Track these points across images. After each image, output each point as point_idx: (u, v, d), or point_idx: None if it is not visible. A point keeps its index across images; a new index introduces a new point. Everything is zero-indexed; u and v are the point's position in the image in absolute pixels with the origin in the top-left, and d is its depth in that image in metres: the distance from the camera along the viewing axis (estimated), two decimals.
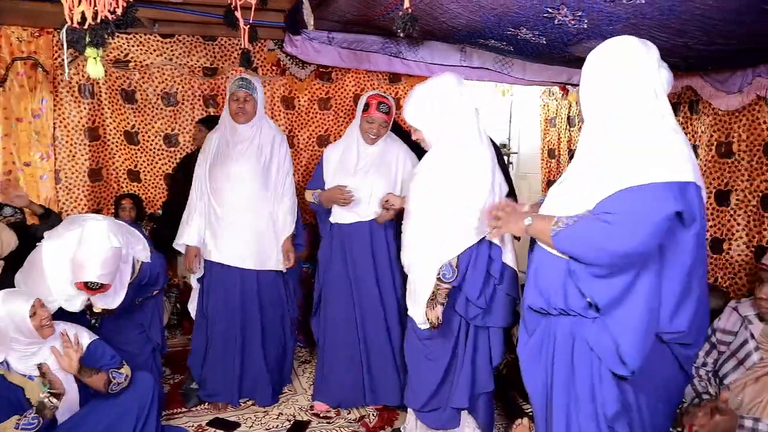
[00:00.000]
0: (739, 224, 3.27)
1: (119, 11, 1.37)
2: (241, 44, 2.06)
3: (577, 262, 1.55)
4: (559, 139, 4.93)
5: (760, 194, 3.18)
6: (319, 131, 4.29)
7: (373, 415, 2.97)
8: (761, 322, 1.91)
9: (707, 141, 3.46)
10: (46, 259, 2.28)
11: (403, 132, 2.88)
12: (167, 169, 4.02)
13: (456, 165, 2.20)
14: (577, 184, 1.61)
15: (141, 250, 2.54)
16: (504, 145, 5.66)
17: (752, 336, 1.90)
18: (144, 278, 2.55)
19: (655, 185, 1.42)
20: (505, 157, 5.42)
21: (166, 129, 3.99)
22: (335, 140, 3.35)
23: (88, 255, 2.20)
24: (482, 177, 2.18)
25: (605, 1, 2.04)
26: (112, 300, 2.39)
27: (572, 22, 2.30)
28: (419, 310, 2.28)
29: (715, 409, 1.62)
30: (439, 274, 2.18)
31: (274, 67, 4.08)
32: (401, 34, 1.60)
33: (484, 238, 2.17)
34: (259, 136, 2.86)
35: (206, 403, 3.03)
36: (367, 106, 2.72)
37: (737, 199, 3.28)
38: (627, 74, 1.54)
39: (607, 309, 1.52)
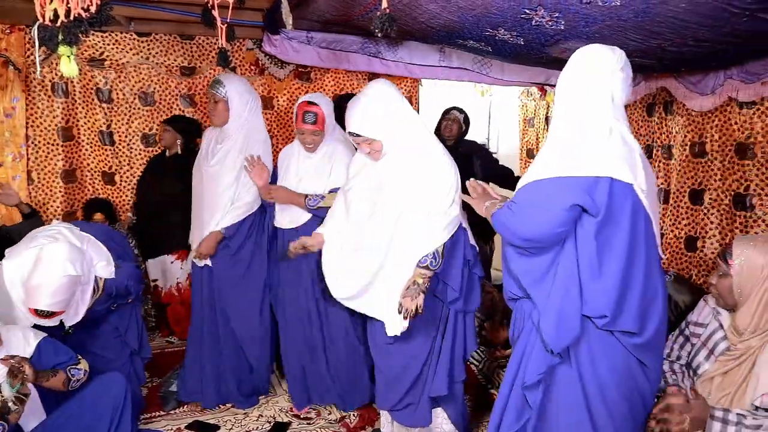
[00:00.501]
0: (712, 222, 3.34)
1: (93, 9, 1.35)
2: (218, 43, 2.05)
3: (507, 244, 1.77)
4: (537, 139, 4.98)
5: (732, 193, 3.25)
6: None
7: (353, 415, 2.97)
8: (727, 312, 1.97)
9: (681, 141, 3.53)
10: (6, 279, 2.19)
11: None
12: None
13: (427, 164, 2.21)
14: (525, 176, 1.79)
15: (104, 267, 2.46)
16: (483, 145, 5.70)
17: (721, 326, 1.97)
18: (111, 292, 2.48)
19: (557, 179, 1.60)
20: None
21: (144, 129, 3.94)
22: None
23: (39, 282, 2.11)
24: (452, 167, 2.23)
25: (581, 3, 2.07)
26: (71, 318, 2.30)
27: (549, 24, 2.33)
28: (393, 316, 2.21)
29: (688, 395, 1.76)
30: (423, 263, 2.15)
31: (252, 67, 4.06)
32: (379, 34, 1.60)
33: (461, 223, 2.27)
34: (238, 141, 2.83)
35: (185, 406, 3.00)
36: (296, 116, 2.70)
37: (710, 198, 3.35)
38: (585, 80, 1.69)
39: (531, 287, 1.71)
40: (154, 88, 3.90)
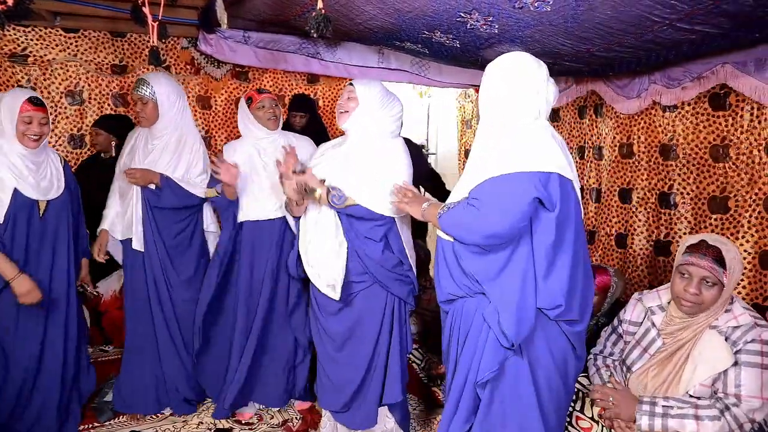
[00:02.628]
0: (639, 220, 3.50)
1: (10, 1, 1.28)
2: (150, 41, 1.99)
3: (459, 243, 1.77)
4: None
5: (658, 192, 3.42)
6: (237, 132, 4.17)
7: (296, 418, 2.94)
8: (662, 312, 2.04)
9: (611, 142, 3.68)
10: None
11: (322, 126, 2.92)
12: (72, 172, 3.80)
13: (387, 153, 2.32)
14: (463, 178, 1.84)
15: None
16: (423, 146, 5.76)
17: (654, 325, 2.03)
18: None
19: (519, 174, 1.64)
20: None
21: (72, 129, 3.76)
22: None
23: None
24: (408, 164, 2.35)
25: (514, 8, 2.12)
26: None
27: (484, 27, 2.38)
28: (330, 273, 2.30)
29: (616, 387, 1.88)
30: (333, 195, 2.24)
31: (188, 66, 3.95)
32: (315, 35, 1.59)
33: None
34: (171, 142, 2.76)
35: (122, 416, 2.89)
36: (251, 99, 2.77)
37: (638, 197, 3.51)
38: (520, 86, 1.75)
39: (487, 284, 1.72)
40: (83, 87, 3.74)
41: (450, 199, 1.87)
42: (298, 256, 2.41)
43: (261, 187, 2.74)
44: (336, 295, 2.27)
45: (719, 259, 1.84)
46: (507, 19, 2.25)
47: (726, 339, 1.85)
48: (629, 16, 2.07)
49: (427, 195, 2.17)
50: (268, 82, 4.20)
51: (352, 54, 3.64)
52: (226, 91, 4.10)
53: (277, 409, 3.01)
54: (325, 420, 2.61)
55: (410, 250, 2.39)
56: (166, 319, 2.83)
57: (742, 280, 2.96)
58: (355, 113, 2.28)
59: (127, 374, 2.88)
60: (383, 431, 2.48)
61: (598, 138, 3.80)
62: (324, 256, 2.31)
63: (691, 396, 1.85)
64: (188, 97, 3.97)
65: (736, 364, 1.81)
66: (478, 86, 4.28)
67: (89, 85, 3.75)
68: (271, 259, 2.77)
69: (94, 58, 3.71)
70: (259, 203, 2.74)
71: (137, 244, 2.76)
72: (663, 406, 1.84)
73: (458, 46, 2.75)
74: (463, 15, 2.28)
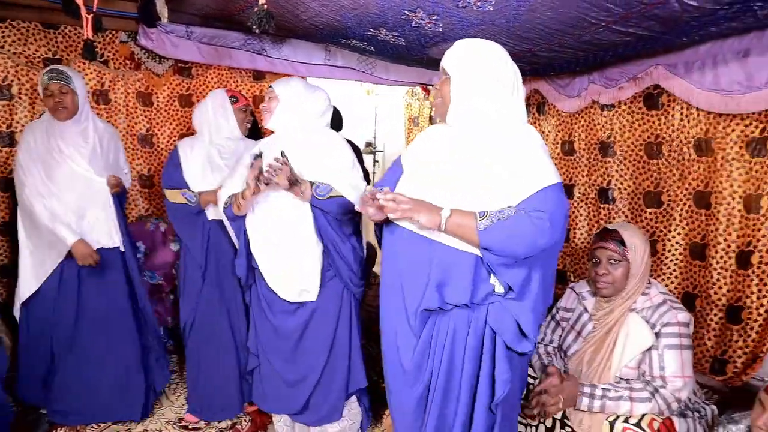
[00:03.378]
0: (581, 215, 3.62)
1: None
2: (84, 34, 1.90)
3: (492, 255, 1.58)
4: None
5: (597, 188, 3.54)
6: (181, 129, 4.08)
7: (245, 420, 2.89)
8: (593, 297, 2.16)
9: (553, 140, 3.79)
10: None
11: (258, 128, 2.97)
12: (2, 171, 3.60)
13: (332, 150, 2.32)
14: (477, 180, 1.63)
15: None
16: (370, 144, 5.78)
17: (585, 309, 2.15)
18: None
19: (559, 184, 1.62)
20: (371, 155, 5.54)
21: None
22: None
23: None
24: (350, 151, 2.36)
25: (457, 7, 2.15)
26: None
27: (428, 26, 2.40)
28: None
29: (563, 375, 1.95)
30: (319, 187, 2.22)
31: (127, 61, 3.81)
32: (257, 31, 1.57)
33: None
34: (92, 133, 2.68)
35: (60, 429, 2.76)
36: (236, 98, 2.73)
37: (579, 192, 3.63)
38: (492, 76, 1.66)
39: (520, 292, 1.62)
40: (12, 81, 3.55)
41: (444, 204, 1.63)
42: (247, 262, 2.35)
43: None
44: (312, 296, 2.27)
45: (620, 240, 2.04)
46: (451, 18, 2.28)
47: (647, 321, 1.98)
48: (568, 18, 2.14)
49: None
50: (212, 78, 4.10)
51: (298, 51, 3.61)
52: (168, 88, 3.98)
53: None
54: (281, 425, 2.56)
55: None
56: (101, 320, 2.73)
57: (674, 270, 3.11)
58: (276, 111, 2.28)
59: (64, 382, 2.75)
60: (338, 430, 2.47)
61: (541, 136, 3.89)
62: (296, 261, 2.24)
63: (620, 379, 1.96)
64: (128, 93, 3.85)
65: (657, 345, 1.94)
66: (425, 84, 4.35)
67: (19, 79, 3.55)
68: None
69: (24, 51, 3.52)
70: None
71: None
72: (602, 388, 1.94)
73: (404, 44, 2.77)
74: (407, 13, 2.29)
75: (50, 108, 2.55)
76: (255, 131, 3.56)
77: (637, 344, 1.96)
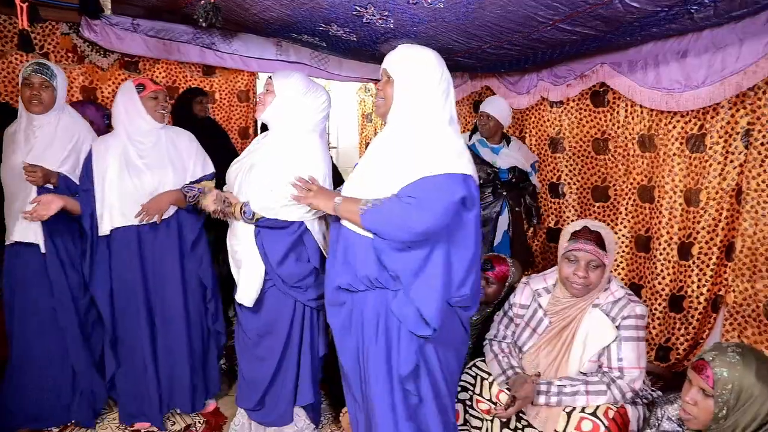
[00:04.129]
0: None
1: None
2: (19, 25, 1.82)
3: (379, 239, 1.75)
4: (375, 133, 5.13)
5: (548, 182, 3.62)
6: None
7: (199, 422, 2.84)
8: (548, 294, 2.17)
9: None
10: None
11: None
12: None
13: (301, 153, 2.24)
14: (379, 172, 1.81)
15: None
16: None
17: (540, 306, 2.16)
18: None
19: (447, 175, 1.70)
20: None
21: None
22: None
23: None
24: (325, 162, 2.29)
25: (408, 3, 2.16)
26: None
27: (380, 22, 2.40)
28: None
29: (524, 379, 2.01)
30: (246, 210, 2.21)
31: (69, 54, 3.66)
32: (203, 24, 1.53)
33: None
34: (60, 128, 2.56)
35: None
36: (143, 86, 2.49)
37: None
38: (432, 82, 1.78)
39: (409, 280, 1.75)
40: None
41: (353, 193, 1.85)
42: None
43: (139, 188, 2.47)
44: (248, 303, 2.27)
45: (601, 243, 2.01)
46: (402, 14, 2.28)
47: (608, 315, 2.01)
48: (517, 16, 2.17)
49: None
50: (160, 73, 3.99)
51: (250, 45, 3.55)
52: (114, 83, 3.85)
53: (179, 413, 2.89)
54: (240, 419, 2.55)
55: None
56: (46, 319, 2.62)
57: (621, 262, 3.22)
58: (272, 105, 2.22)
59: (7, 388, 2.64)
60: (295, 430, 2.47)
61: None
62: (242, 265, 2.29)
63: (582, 373, 2.00)
64: (71, 87, 3.70)
65: (618, 338, 1.99)
66: (377, 80, 4.34)
67: None
68: (177, 263, 2.61)
69: None
70: (137, 209, 2.46)
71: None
72: (558, 384, 1.98)
73: (355, 39, 2.76)
74: (359, 9, 2.28)
75: (24, 99, 2.44)
76: (190, 118, 3.45)
77: (601, 339, 2.00)
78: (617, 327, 2.00)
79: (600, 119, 3.29)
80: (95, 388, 2.78)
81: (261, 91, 2.31)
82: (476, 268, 1.84)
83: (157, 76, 3.99)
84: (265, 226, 2.20)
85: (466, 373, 2.23)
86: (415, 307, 1.75)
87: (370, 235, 1.77)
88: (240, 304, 2.35)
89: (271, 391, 2.38)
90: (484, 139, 3.31)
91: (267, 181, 2.17)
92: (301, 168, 2.13)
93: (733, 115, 2.67)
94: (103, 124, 3.22)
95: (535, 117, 3.64)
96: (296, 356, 2.37)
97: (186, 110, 3.74)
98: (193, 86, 4.04)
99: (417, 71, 1.78)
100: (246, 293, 2.26)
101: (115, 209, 2.49)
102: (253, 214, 2.17)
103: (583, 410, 1.94)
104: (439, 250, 1.74)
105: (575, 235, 2.05)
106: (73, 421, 2.76)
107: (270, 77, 2.27)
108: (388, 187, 1.75)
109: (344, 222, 1.85)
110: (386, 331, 1.81)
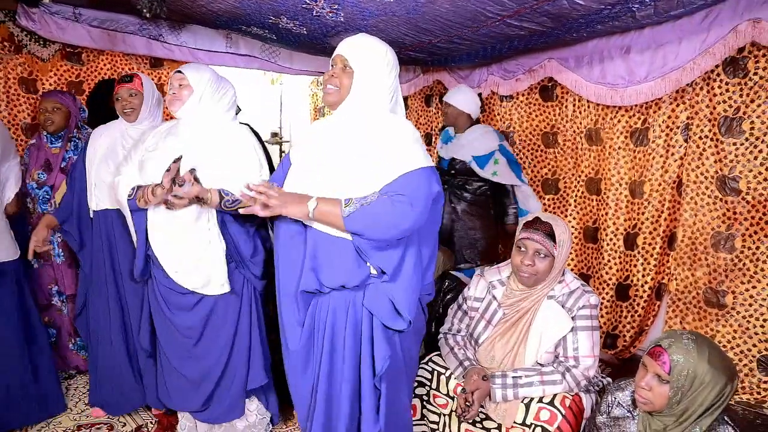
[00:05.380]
0: None
1: None
2: None
3: (360, 239, 1.67)
4: None
5: None
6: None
7: (151, 422, 2.78)
8: (503, 287, 2.20)
9: (456, 130, 3.89)
10: None
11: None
12: None
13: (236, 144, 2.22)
14: (351, 169, 1.71)
15: None
16: (276, 134, 5.68)
17: (495, 298, 2.19)
18: None
19: (424, 169, 1.67)
20: (278, 146, 5.44)
21: None
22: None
23: None
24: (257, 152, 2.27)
25: None
26: None
27: (329, 15, 2.38)
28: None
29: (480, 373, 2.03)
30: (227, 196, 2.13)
31: (6, 43, 3.49)
32: (147, 15, 1.49)
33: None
34: None
35: None
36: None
37: None
38: (391, 74, 1.78)
39: (393, 274, 1.72)
40: None
41: (318, 193, 1.70)
42: (146, 257, 2.25)
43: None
44: (220, 289, 2.22)
45: (550, 234, 2.05)
46: (352, 8, 2.27)
47: (563, 306, 2.06)
48: (466, 11, 2.19)
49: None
50: (105, 64, 3.85)
51: (198, 37, 3.47)
52: (55, 74, 3.69)
53: (129, 413, 2.83)
54: (184, 422, 2.49)
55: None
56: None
57: (570, 253, 3.30)
58: (190, 101, 2.17)
59: None
60: (246, 425, 2.42)
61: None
62: (196, 258, 2.18)
63: (539, 364, 2.04)
64: (8, 79, 3.54)
65: (573, 328, 2.04)
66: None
67: None
68: (127, 249, 2.57)
69: None
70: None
71: None
72: (513, 377, 2.02)
73: (305, 32, 2.73)
74: (308, 2, 2.26)
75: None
76: (106, 109, 3.33)
77: (557, 330, 2.05)
78: (573, 318, 2.05)
79: (549, 113, 3.36)
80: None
81: (171, 85, 2.22)
82: (435, 257, 1.86)
83: (101, 68, 3.85)
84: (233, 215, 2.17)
85: (423, 368, 2.22)
86: (389, 300, 1.72)
87: (348, 237, 1.69)
88: (172, 306, 2.26)
89: (221, 384, 2.32)
90: (448, 129, 3.33)
91: (227, 172, 2.13)
92: (246, 157, 2.16)
93: (673, 110, 2.77)
94: (81, 118, 3.19)
95: (486, 111, 3.69)
96: (247, 339, 2.32)
97: (103, 103, 3.60)
98: (107, 78, 3.89)
99: (377, 63, 1.75)
100: (216, 280, 2.20)
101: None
102: (239, 202, 2.07)
103: (540, 400, 1.97)
104: (412, 245, 1.73)
105: (527, 225, 2.10)
106: None
107: (180, 71, 2.20)
108: (366, 184, 1.67)
109: (315, 224, 1.72)
110: (355, 326, 1.77)
